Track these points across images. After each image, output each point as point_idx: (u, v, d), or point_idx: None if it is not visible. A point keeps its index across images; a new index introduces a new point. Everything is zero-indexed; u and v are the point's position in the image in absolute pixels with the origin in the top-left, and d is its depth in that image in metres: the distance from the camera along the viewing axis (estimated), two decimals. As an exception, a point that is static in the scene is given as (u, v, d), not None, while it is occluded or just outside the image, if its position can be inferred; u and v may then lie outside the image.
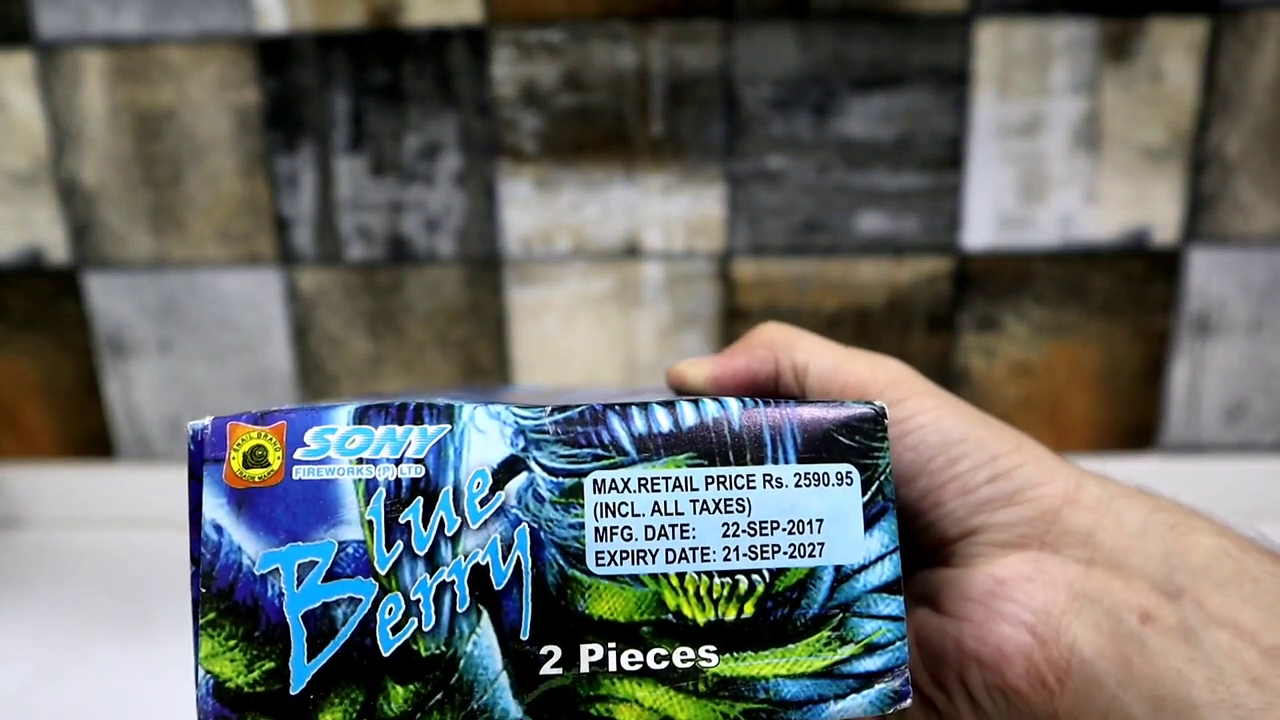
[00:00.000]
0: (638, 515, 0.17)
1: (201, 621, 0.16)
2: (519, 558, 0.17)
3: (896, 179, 0.58)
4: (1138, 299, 0.60)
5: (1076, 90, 0.56)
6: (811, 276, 0.60)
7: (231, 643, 0.16)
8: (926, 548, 0.23)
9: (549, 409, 0.18)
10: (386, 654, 0.16)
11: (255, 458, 0.17)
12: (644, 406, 0.18)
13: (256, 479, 0.17)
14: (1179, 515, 0.21)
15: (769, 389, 0.24)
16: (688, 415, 0.18)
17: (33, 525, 0.67)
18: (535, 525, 0.17)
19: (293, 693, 0.16)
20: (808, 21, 0.56)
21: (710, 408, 0.18)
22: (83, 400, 0.65)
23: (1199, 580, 0.20)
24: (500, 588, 0.16)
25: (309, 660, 0.16)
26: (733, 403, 0.18)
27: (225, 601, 0.16)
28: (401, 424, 0.17)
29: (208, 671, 0.16)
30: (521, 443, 0.17)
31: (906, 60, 0.56)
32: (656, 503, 0.17)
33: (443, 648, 0.16)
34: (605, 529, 0.17)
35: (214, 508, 0.16)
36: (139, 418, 0.65)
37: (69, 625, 0.55)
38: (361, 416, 0.17)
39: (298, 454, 0.17)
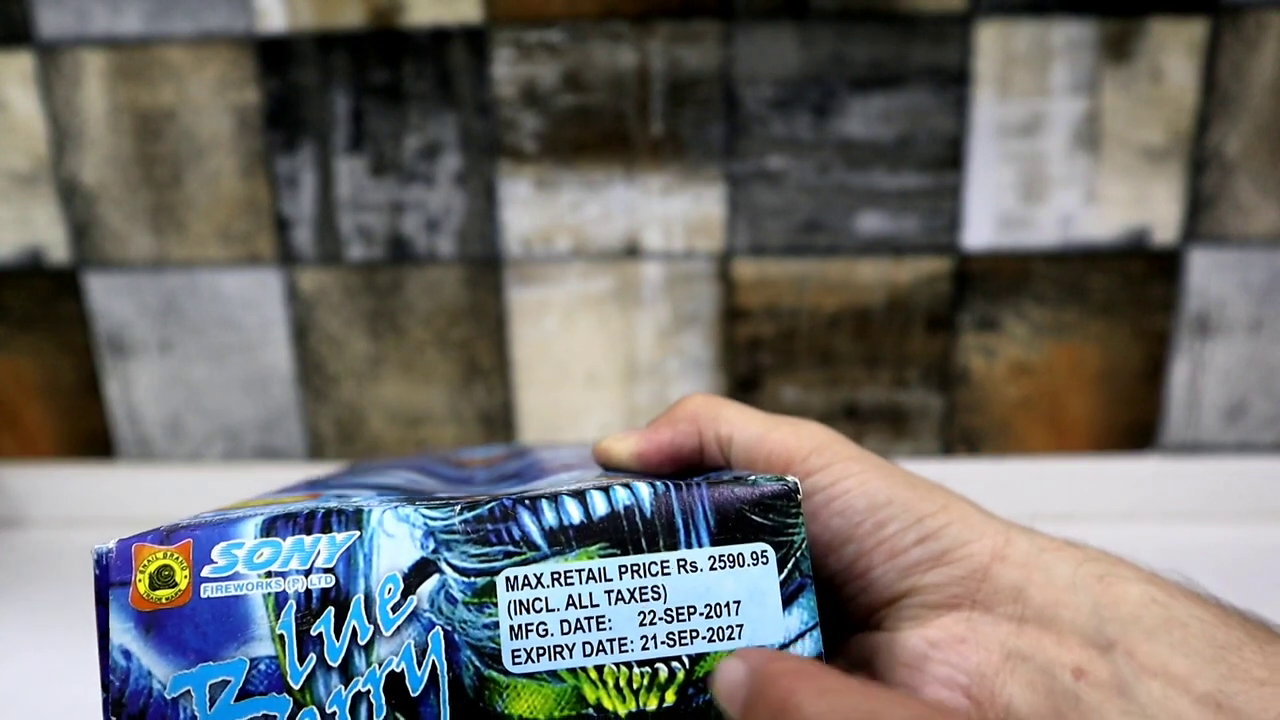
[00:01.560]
0: (552, 610, 0.17)
1: None
2: (434, 662, 0.16)
3: (896, 179, 0.58)
4: (1138, 299, 0.60)
5: (1076, 90, 0.56)
6: (811, 276, 0.60)
7: None
8: (860, 613, 0.23)
9: (459, 507, 0.17)
10: None
11: (162, 578, 0.17)
12: (554, 498, 0.18)
13: (164, 600, 0.16)
14: (1106, 565, 0.21)
15: (694, 462, 0.24)
16: (598, 505, 0.18)
17: (33, 525, 0.67)
18: (449, 628, 0.17)
19: None
20: (808, 21, 0.56)
21: (621, 495, 0.18)
22: (83, 400, 0.65)
23: (1129, 630, 0.20)
24: (416, 694, 0.16)
25: None
26: (643, 488, 0.18)
27: None
28: (310, 533, 0.17)
29: None
30: (431, 544, 0.17)
31: (906, 60, 0.56)
32: (571, 596, 0.17)
33: None
34: (520, 626, 0.17)
35: (121, 632, 0.16)
36: (139, 418, 0.65)
37: (69, 625, 0.55)
38: (269, 528, 0.17)
39: (205, 571, 0.17)
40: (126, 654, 0.16)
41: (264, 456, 0.65)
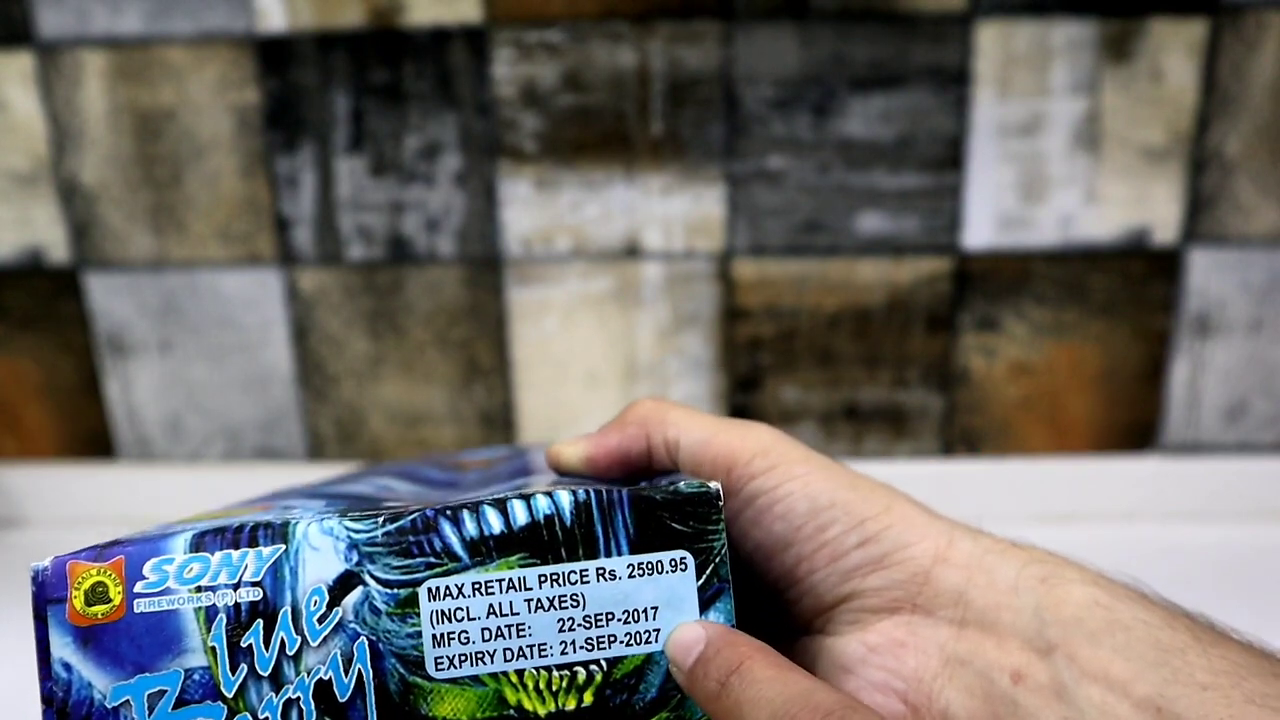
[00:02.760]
0: (474, 619, 0.17)
1: None
2: (360, 670, 0.17)
3: (896, 179, 0.58)
4: (1137, 299, 0.60)
5: (1076, 90, 0.56)
6: (811, 276, 0.60)
7: None
8: (803, 617, 0.23)
9: (382, 519, 0.18)
10: None
11: (96, 595, 0.17)
12: (475, 509, 0.18)
13: (100, 615, 0.17)
14: (1051, 567, 0.21)
15: (643, 466, 0.25)
16: (519, 514, 0.18)
17: (33, 525, 0.67)
18: (374, 637, 0.17)
19: None
20: (808, 21, 0.56)
21: (542, 504, 0.18)
22: (83, 400, 0.65)
23: (1071, 633, 0.19)
24: (344, 700, 0.17)
25: None
26: (565, 496, 0.18)
27: None
28: (237, 548, 0.18)
29: None
30: (355, 557, 0.17)
31: (906, 60, 0.56)
32: (492, 605, 0.17)
33: None
34: (442, 635, 0.17)
35: (61, 646, 0.17)
36: (139, 418, 0.65)
37: (69, 625, 0.55)
38: (198, 544, 0.18)
39: (138, 588, 0.17)
40: (67, 667, 0.17)
41: (264, 456, 0.65)
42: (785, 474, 0.22)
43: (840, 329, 0.61)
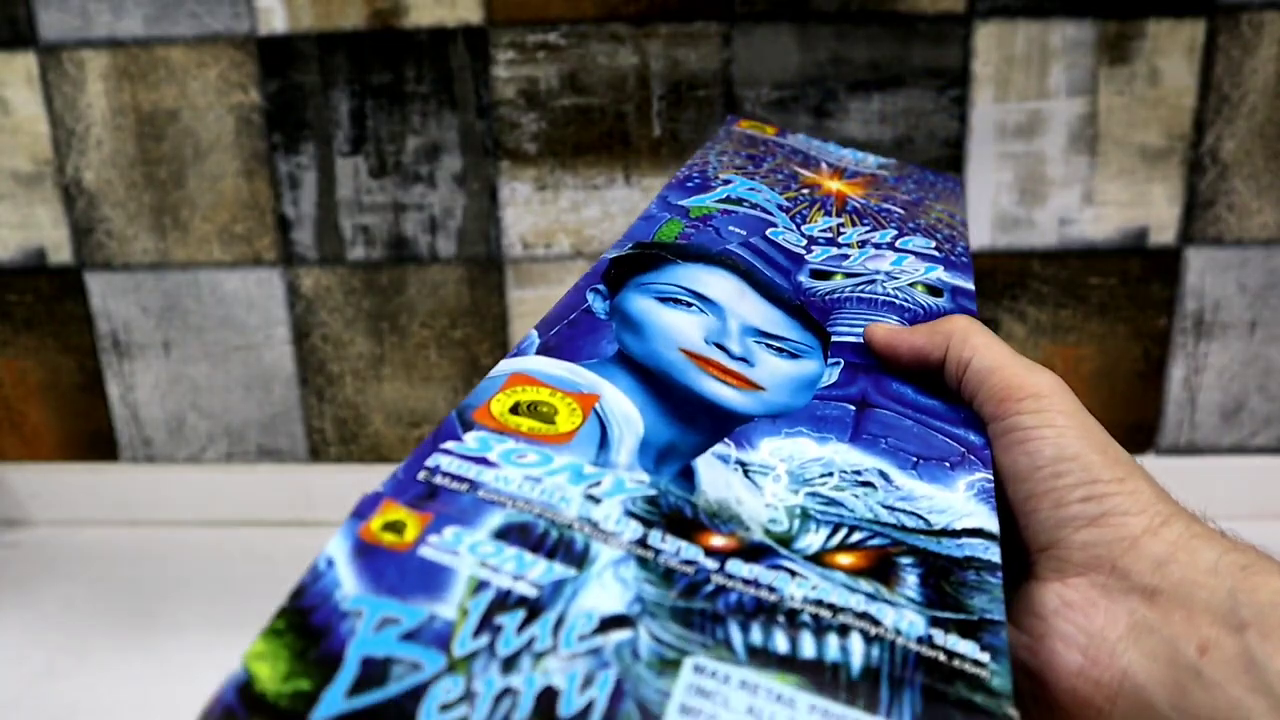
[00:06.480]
0: (730, 711, 0.17)
1: (269, 626, 0.16)
2: (594, 697, 0.17)
3: (895, 180, 0.58)
4: (1135, 299, 0.60)
5: (1075, 92, 0.57)
6: (811, 277, 0.61)
7: (283, 653, 0.16)
8: (1016, 551, 0.24)
9: (675, 592, 0.18)
10: None
11: (393, 527, 0.18)
12: (768, 622, 0.18)
13: (385, 542, 0.18)
14: (1253, 557, 0.22)
15: (935, 371, 0.27)
16: (806, 647, 0.18)
17: (36, 525, 0.67)
18: (623, 677, 0.17)
19: (311, 719, 0.16)
20: (807, 23, 0.56)
21: (832, 648, 0.18)
22: (85, 400, 0.65)
23: (1265, 616, 0.20)
24: (565, 715, 0.16)
25: (345, 698, 0.16)
26: (857, 648, 0.18)
27: (300, 619, 0.17)
28: (535, 552, 0.18)
29: (245, 668, 0.16)
30: (638, 609, 0.18)
31: (906, 61, 0.56)
32: (752, 707, 0.17)
33: None
34: (692, 707, 0.17)
35: (335, 547, 0.18)
36: (141, 418, 0.65)
37: (71, 624, 0.55)
38: (502, 534, 0.18)
39: (431, 539, 0.18)
40: (330, 562, 0.17)
41: (265, 456, 0.66)
42: (1046, 419, 0.24)
43: (839, 329, 0.61)
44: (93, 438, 0.66)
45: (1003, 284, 0.60)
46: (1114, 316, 0.60)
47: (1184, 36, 0.55)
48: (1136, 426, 0.62)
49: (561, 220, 0.60)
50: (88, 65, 0.58)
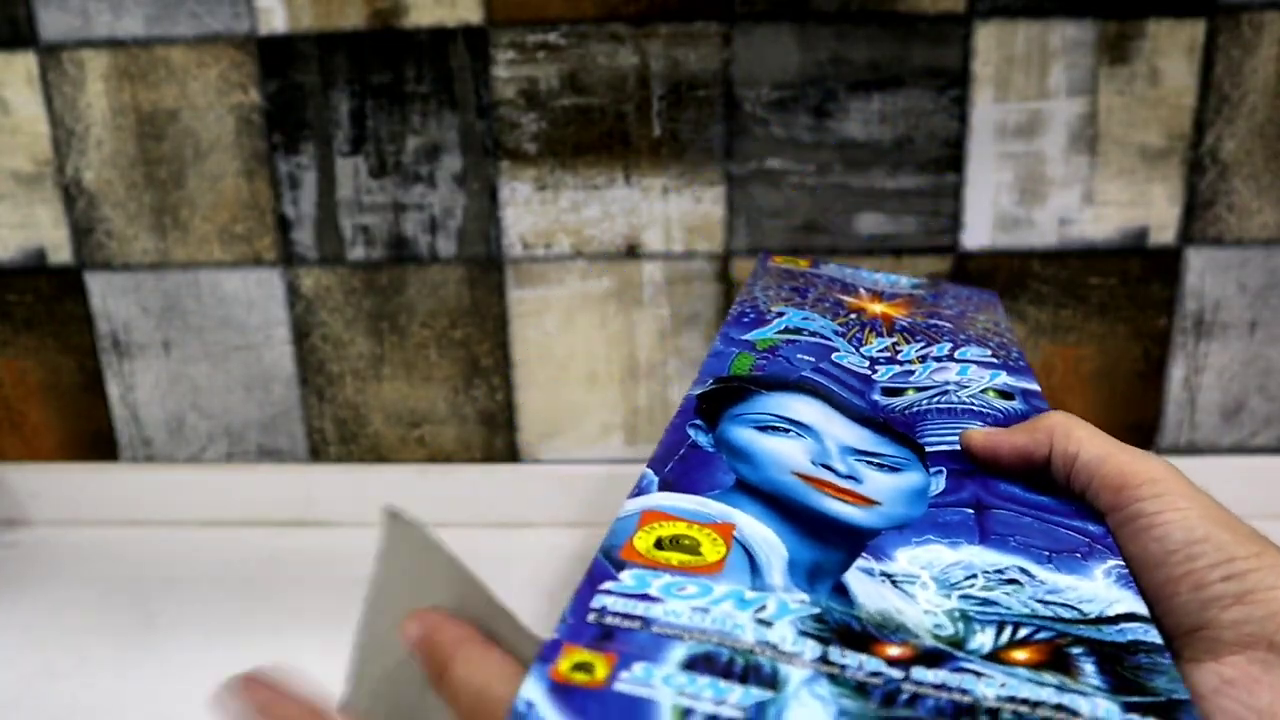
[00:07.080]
0: None
1: None
2: None
3: (896, 180, 0.58)
4: (1135, 299, 0.60)
5: (1075, 91, 0.57)
6: (811, 277, 0.60)
7: None
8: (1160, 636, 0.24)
9: (874, 705, 0.18)
10: None
11: (583, 667, 0.18)
12: None
13: (579, 681, 0.18)
14: None
15: (1040, 469, 0.26)
16: None
17: (36, 525, 0.67)
18: None
19: None
20: (807, 22, 0.56)
21: None
22: (85, 400, 0.65)
23: None
24: None
25: None
26: None
27: None
28: (726, 678, 0.18)
29: None
30: None
31: (906, 61, 0.56)
32: None
33: None
34: None
35: (530, 690, 0.18)
36: (141, 418, 0.65)
37: (71, 625, 0.55)
38: (689, 665, 0.18)
39: (623, 675, 0.18)
40: (530, 704, 0.18)
41: (265, 456, 0.66)
42: (1169, 503, 0.24)
43: (839, 329, 0.61)
44: (93, 438, 0.66)
45: (1003, 284, 0.60)
46: (1114, 316, 0.60)
47: (1184, 36, 0.55)
48: (1136, 426, 0.62)
49: (562, 220, 0.60)
50: (88, 65, 0.58)
